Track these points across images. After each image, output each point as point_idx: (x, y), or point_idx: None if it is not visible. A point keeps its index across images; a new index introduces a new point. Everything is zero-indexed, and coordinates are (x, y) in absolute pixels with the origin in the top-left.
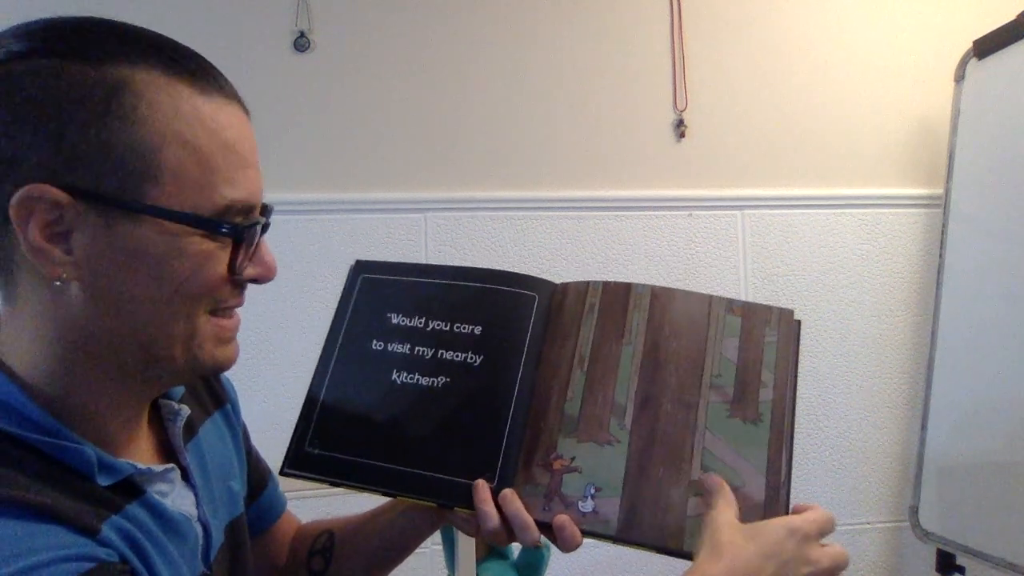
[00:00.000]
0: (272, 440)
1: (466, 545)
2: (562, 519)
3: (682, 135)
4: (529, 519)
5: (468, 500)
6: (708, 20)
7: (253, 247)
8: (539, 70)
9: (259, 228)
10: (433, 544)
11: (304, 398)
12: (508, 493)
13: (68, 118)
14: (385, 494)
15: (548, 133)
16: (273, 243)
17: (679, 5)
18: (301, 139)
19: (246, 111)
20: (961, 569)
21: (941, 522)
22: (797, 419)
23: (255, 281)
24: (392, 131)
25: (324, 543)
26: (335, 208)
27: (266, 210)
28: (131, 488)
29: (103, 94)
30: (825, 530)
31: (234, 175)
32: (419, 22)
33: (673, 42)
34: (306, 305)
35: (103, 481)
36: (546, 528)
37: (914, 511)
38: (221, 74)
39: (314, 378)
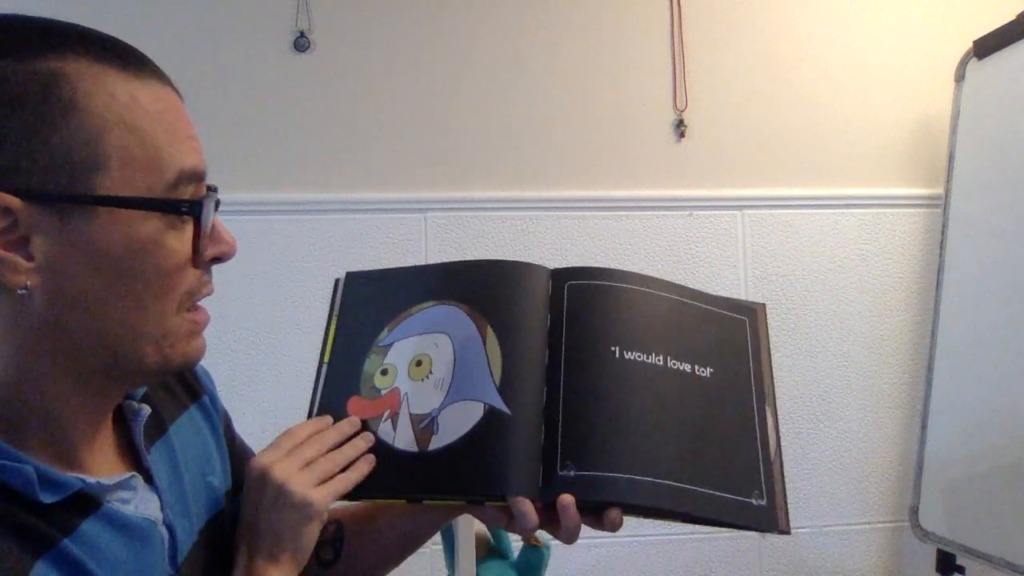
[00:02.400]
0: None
1: (466, 545)
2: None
3: (682, 135)
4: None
5: (499, 495)
6: (708, 20)
7: (211, 225)
8: (539, 70)
9: (213, 202)
10: (433, 544)
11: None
12: (568, 501)
13: (4, 118)
14: (410, 499)
15: (548, 133)
16: (272, 243)
17: (679, 5)
18: (301, 139)
19: (180, 96)
20: (961, 569)
21: (941, 522)
22: (798, 418)
23: (217, 260)
24: (392, 131)
25: (333, 533)
26: (335, 208)
27: (213, 188)
28: (86, 502)
29: (38, 89)
30: (284, 444)
31: (178, 147)
32: (419, 22)
33: (673, 42)
34: (305, 305)
35: (47, 499)
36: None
37: (914, 511)
38: (151, 60)
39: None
